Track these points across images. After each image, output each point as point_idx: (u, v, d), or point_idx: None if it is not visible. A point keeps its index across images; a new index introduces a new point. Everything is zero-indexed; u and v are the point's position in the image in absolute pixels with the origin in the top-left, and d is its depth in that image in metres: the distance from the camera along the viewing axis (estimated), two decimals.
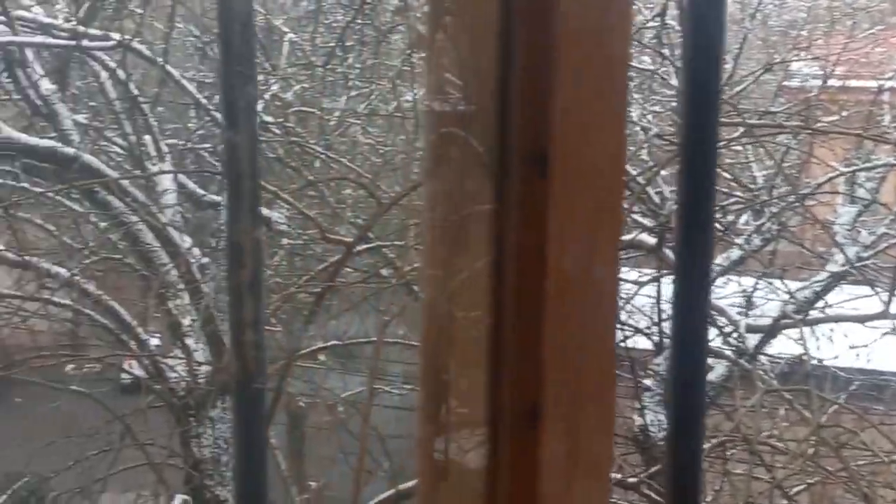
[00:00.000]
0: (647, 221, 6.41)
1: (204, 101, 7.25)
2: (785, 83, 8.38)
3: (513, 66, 0.85)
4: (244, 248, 1.25)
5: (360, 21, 7.67)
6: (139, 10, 6.85)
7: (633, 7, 7.03)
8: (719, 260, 6.63)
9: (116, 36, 6.19)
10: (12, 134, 5.71)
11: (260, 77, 6.94)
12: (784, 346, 6.57)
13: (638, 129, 6.84)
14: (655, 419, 6.06)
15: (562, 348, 0.85)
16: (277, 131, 7.24)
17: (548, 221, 0.84)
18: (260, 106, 6.44)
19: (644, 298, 6.25)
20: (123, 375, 7.62)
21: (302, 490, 7.47)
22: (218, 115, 7.32)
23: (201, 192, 7.17)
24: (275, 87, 7.29)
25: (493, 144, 0.86)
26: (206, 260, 6.49)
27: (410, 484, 4.98)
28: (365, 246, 6.06)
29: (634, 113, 6.94)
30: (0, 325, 6.69)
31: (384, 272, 6.34)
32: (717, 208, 6.54)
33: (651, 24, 6.80)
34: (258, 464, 1.40)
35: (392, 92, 7.57)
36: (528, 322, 0.84)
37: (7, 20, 5.98)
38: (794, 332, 6.18)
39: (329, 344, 6.97)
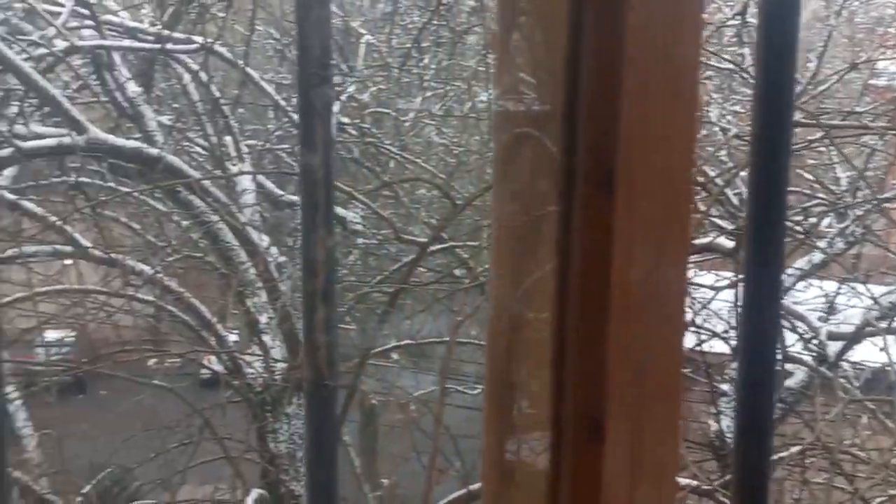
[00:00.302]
0: (725, 224, 6.28)
1: (282, 102, 7.38)
2: (871, 82, 8.12)
3: (582, 67, 0.85)
4: (317, 257, 1.28)
5: (435, 22, 7.72)
6: (221, 14, 7.01)
7: (708, 6, 6.91)
8: (800, 263, 6.46)
9: (199, 39, 6.34)
10: (100, 135, 5.89)
11: (337, 78, 7.03)
12: (867, 353, 6.37)
13: (717, 129, 6.71)
14: (731, 425, 5.94)
15: (626, 354, 0.85)
16: (353, 132, 7.33)
17: (614, 226, 0.84)
18: (336, 107, 6.52)
19: (721, 302, 6.13)
20: (203, 371, 7.80)
21: (374, 487, 7.55)
22: (296, 117, 7.44)
23: (279, 192, 7.30)
24: (351, 89, 7.38)
25: (561, 146, 0.87)
26: (283, 259, 6.60)
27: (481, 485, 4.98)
28: (438, 246, 6.09)
29: (713, 113, 6.81)
30: (87, 319, 6.91)
31: (457, 272, 6.36)
32: (799, 210, 6.39)
33: (731, 22, 6.67)
34: (329, 461, 1.42)
35: (467, 92, 7.59)
36: (592, 327, 0.84)
37: (96, 25, 6.19)
38: (878, 340, 5.99)
39: (402, 343, 7.03)
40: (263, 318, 6.42)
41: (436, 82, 8.45)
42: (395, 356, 7.85)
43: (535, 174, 0.90)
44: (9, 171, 6.00)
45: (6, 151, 5.45)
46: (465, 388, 8.12)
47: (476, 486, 4.94)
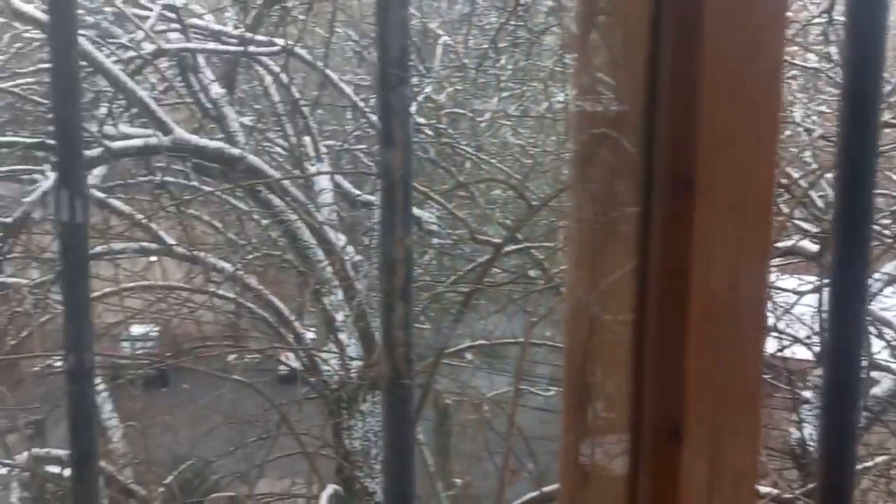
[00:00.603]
0: (809, 227, 6.12)
1: (360, 103, 7.47)
2: None
3: (661, 67, 0.84)
4: (396, 256, 1.29)
5: (513, 23, 7.70)
6: (301, 17, 7.12)
7: (793, 4, 6.73)
8: (888, 269, 6.25)
9: (280, 41, 6.46)
10: (184, 135, 6.05)
11: (414, 79, 7.08)
12: None
13: (801, 130, 6.55)
14: (813, 433, 5.78)
15: (706, 357, 0.84)
16: (430, 132, 7.37)
17: (693, 229, 0.83)
18: (413, 108, 6.56)
19: (804, 307, 5.98)
20: (280, 367, 7.93)
21: (447, 486, 7.57)
22: (374, 118, 7.52)
23: (356, 191, 7.39)
24: (428, 89, 7.42)
25: (641, 146, 0.86)
26: (359, 258, 6.68)
27: (555, 487, 4.95)
28: (513, 247, 6.08)
29: (798, 114, 6.65)
30: (170, 315, 7.10)
31: (532, 273, 6.34)
32: (887, 214, 6.18)
33: (817, 20, 6.50)
34: (405, 459, 1.43)
35: (544, 93, 7.56)
36: (671, 329, 0.83)
37: (182, 28, 6.35)
38: None
39: (476, 343, 7.04)
40: (339, 316, 6.50)
41: (512, 83, 8.44)
42: (468, 356, 7.87)
43: (613, 175, 0.90)
44: (98, 171, 6.19)
45: (96, 151, 5.62)
46: (539, 389, 8.09)
47: (550, 488, 4.92)
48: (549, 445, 5.64)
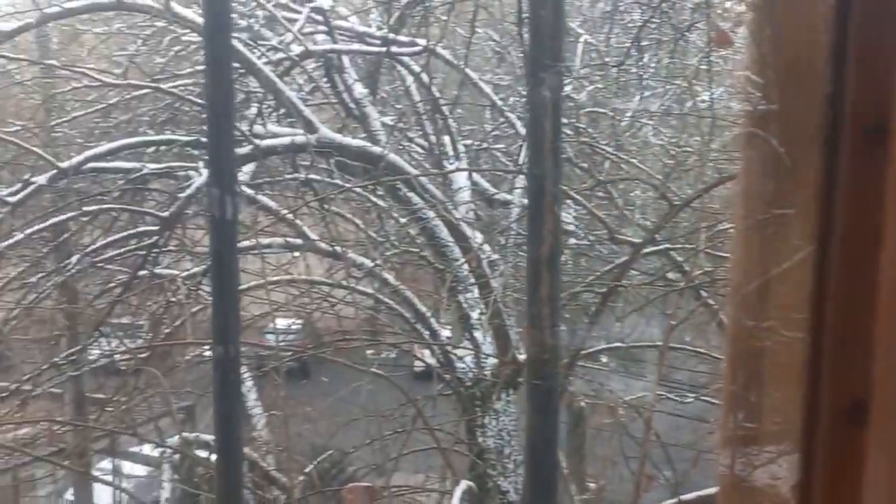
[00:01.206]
0: None
1: (499, 102, 7.48)
2: None
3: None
4: (545, 220, 1.27)
5: (657, 20, 7.54)
6: (443, 17, 7.20)
7: None
8: None
9: (422, 42, 6.55)
10: (329, 134, 6.22)
11: None
12: None
13: None
14: None
15: (892, 352, 0.78)
16: (569, 132, 7.30)
17: (886, 205, 0.77)
18: None
19: None
20: (416, 364, 8.03)
21: (581, 489, 7.49)
22: (511, 117, 7.52)
23: (493, 190, 7.41)
24: (568, 88, 7.36)
25: (826, 120, 0.81)
26: (495, 256, 6.70)
27: (693, 495, 4.82)
28: (652, 248, 5.96)
29: None
30: (312, 308, 7.32)
31: (671, 275, 6.19)
32: None
33: None
34: (549, 460, 1.41)
35: (688, 91, 7.36)
36: (852, 325, 0.78)
37: (329, 30, 6.53)
38: None
39: (612, 345, 6.93)
40: (475, 314, 6.53)
41: (655, 81, 8.27)
42: (604, 358, 7.76)
43: (765, 175, 0.86)
44: (247, 168, 6.44)
45: (246, 149, 5.85)
46: (677, 395, 7.89)
47: (688, 496, 4.78)
48: (687, 453, 5.49)
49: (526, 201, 6.85)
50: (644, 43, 7.85)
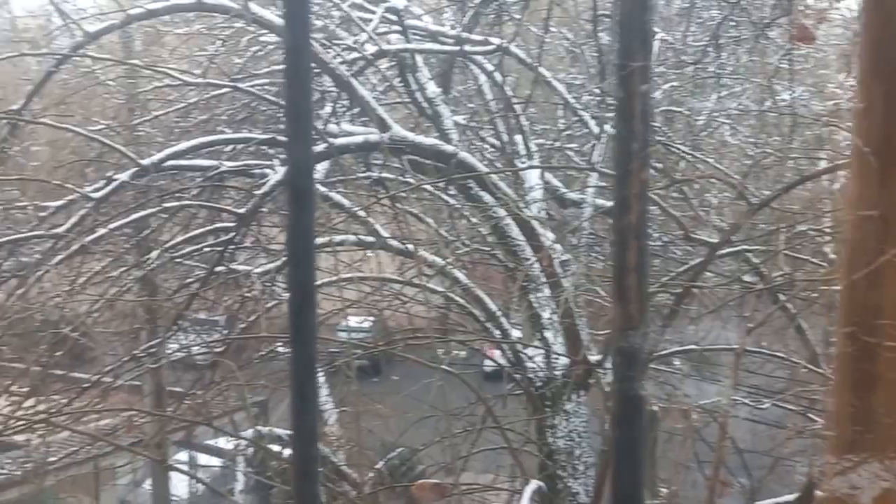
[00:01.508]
0: None
1: (572, 101, 7.43)
2: None
3: None
4: (630, 191, 1.26)
5: (735, 17, 7.39)
6: (517, 16, 7.17)
7: None
8: None
9: (496, 41, 6.54)
10: (401, 132, 6.25)
11: None
12: None
13: None
14: None
15: None
16: None
17: None
18: None
19: None
20: (486, 363, 8.02)
21: (653, 494, 7.38)
22: (584, 115, 7.46)
23: (564, 189, 7.36)
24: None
25: None
26: (567, 256, 6.65)
27: (769, 502, 4.71)
28: (728, 249, 5.84)
29: None
30: (383, 306, 7.36)
31: (747, 277, 6.06)
32: None
33: None
34: (635, 465, 1.38)
35: (767, 90, 7.20)
36: None
37: (402, 30, 6.57)
38: None
39: (686, 348, 6.81)
40: (545, 314, 6.49)
41: (732, 79, 8.11)
42: (677, 361, 7.63)
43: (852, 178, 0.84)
44: (322, 166, 6.52)
45: (320, 147, 5.93)
46: (752, 400, 7.71)
47: (763, 503, 4.68)
48: (763, 460, 5.36)
49: (599, 201, 6.80)
50: (722, 41, 7.71)
